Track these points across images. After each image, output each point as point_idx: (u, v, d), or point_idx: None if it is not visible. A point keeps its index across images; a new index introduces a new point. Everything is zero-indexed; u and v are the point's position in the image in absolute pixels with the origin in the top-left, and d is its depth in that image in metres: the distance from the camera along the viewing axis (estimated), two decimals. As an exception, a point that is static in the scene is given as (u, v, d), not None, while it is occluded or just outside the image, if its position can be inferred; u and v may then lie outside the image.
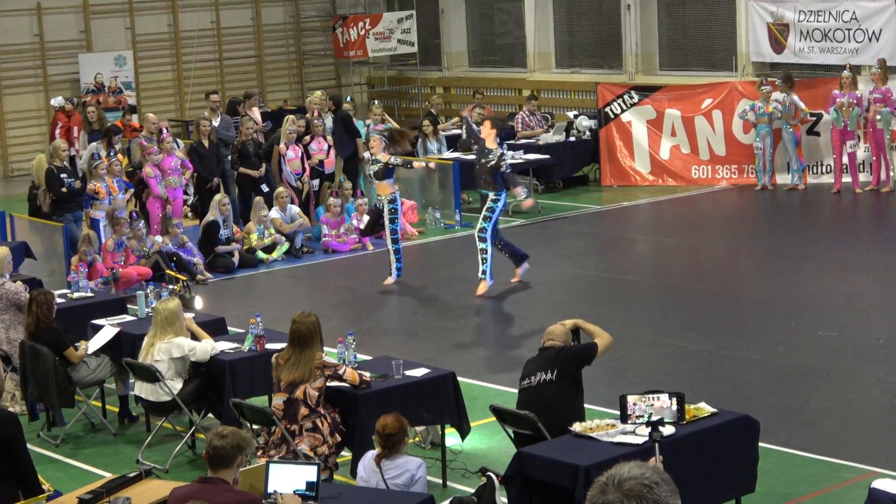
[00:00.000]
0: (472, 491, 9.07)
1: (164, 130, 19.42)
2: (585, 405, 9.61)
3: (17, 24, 25.66)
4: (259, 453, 9.63)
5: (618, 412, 8.85)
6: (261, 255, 18.03)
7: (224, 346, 11.20)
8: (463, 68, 28.51)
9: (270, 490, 7.83)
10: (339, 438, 9.81)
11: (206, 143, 19.36)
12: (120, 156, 18.82)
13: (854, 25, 21.60)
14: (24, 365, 11.53)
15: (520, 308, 15.52)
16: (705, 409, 8.97)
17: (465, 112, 19.01)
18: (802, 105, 20.77)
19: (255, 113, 21.59)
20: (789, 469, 10.11)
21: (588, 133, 22.54)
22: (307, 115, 20.69)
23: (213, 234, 17.65)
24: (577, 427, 8.76)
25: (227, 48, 28.03)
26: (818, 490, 9.74)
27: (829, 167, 21.15)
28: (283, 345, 10.09)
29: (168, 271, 16.48)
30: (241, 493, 7.46)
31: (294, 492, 7.80)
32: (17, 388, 12.02)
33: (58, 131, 21.90)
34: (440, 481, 10.07)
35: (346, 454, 9.97)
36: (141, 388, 11.07)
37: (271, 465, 8.01)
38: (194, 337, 11.17)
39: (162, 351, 10.88)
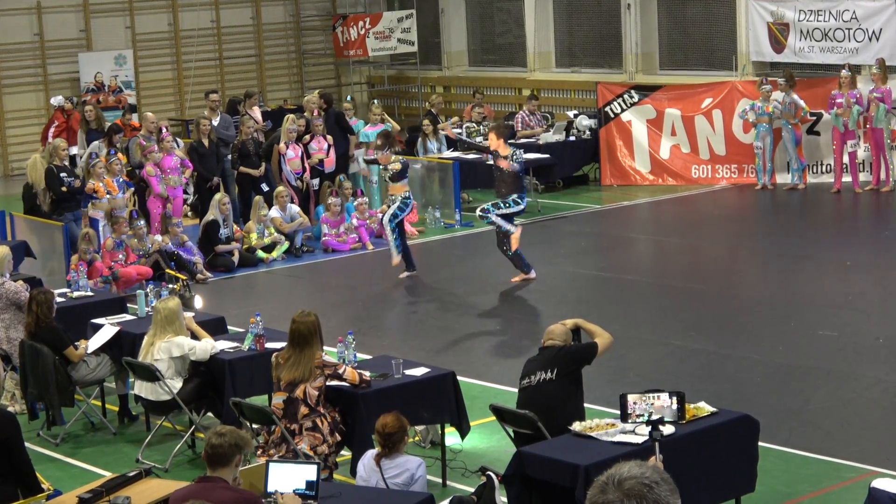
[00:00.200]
0: (472, 490, 9.07)
1: (164, 129, 19.43)
2: (585, 404, 9.61)
3: (17, 23, 25.66)
4: (259, 452, 9.63)
5: (617, 411, 8.85)
6: (261, 254, 18.03)
7: (224, 345, 11.20)
8: (463, 68, 28.50)
9: (270, 489, 7.83)
10: (338, 438, 9.80)
11: (205, 142, 19.35)
12: (120, 154, 18.81)
13: (854, 25, 21.60)
14: (24, 364, 11.53)
15: (519, 307, 15.52)
16: (705, 408, 8.96)
17: (447, 131, 19.13)
18: (803, 104, 20.78)
19: (256, 112, 21.59)
20: (789, 468, 10.10)
21: (588, 132, 22.54)
22: (306, 114, 20.68)
23: (213, 234, 17.65)
24: (576, 426, 8.76)
25: (226, 47, 28.03)
26: (818, 489, 9.74)
27: (829, 167, 21.15)
28: (283, 344, 10.09)
29: (168, 270, 16.48)
30: (239, 490, 7.46)
31: (294, 491, 7.80)
32: (17, 388, 12.03)
33: (52, 130, 21.90)
34: (440, 480, 10.07)
35: (346, 453, 9.97)
36: (141, 388, 11.07)
37: (271, 465, 8.01)
38: (194, 336, 11.17)
39: (162, 350, 10.88)
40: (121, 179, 18.05)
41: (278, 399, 9.84)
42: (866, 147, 20.60)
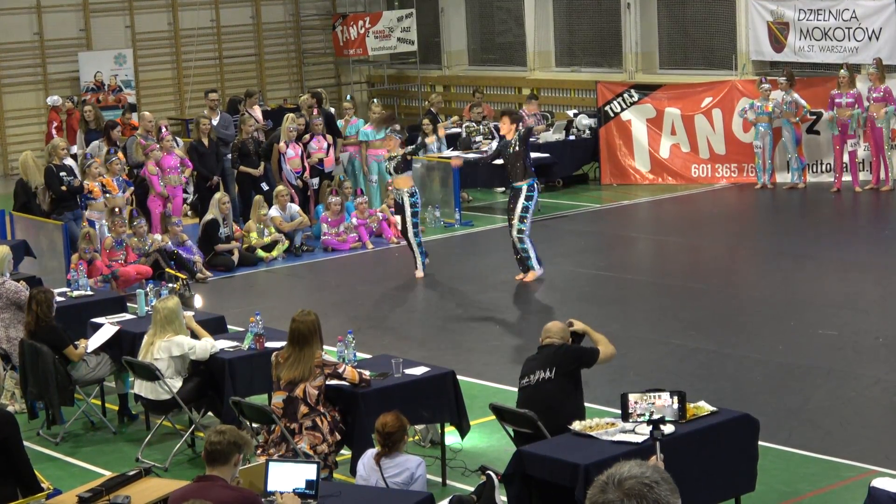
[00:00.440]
0: (472, 489, 9.07)
1: (164, 129, 19.42)
2: (585, 404, 9.60)
3: (17, 23, 25.66)
4: (259, 452, 9.63)
5: (618, 411, 8.85)
6: (260, 253, 18.03)
7: (224, 344, 11.20)
8: (463, 67, 28.50)
9: (270, 489, 7.83)
10: (338, 437, 9.80)
11: (205, 141, 19.34)
12: (120, 154, 18.81)
13: (854, 24, 21.59)
14: (24, 363, 11.52)
15: (520, 306, 15.52)
16: (705, 407, 8.96)
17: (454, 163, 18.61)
18: (804, 102, 20.78)
19: (257, 111, 21.58)
20: (789, 468, 10.10)
21: (588, 132, 22.54)
22: (304, 113, 20.65)
23: (212, 233, 17.64)
24: (576, 425, 8.75)
25: (226, 46, 28.03)
26: (818, 489, 9.74)
27: (829, 166, 21.15)
28: (283, 343, 10.08)
29: (168, 270, 16.47)
30: (238, 489, 7.46)
31: (294, 490, 7.80)
32: (17, 387, 12.02)
33: (52, 130, 21.90)
34: (440, 480, 10.06)
35: (346, 452, 9.97)
36: (140, 387, 11.07)
37: (271, 464, 8.01)
38: (194, 335, 11.17)
39: (161, 349, 10.88)
40: (120, 178, 18.05)
41: (278, 398, 9.84)
42: (866, 146, 20.61)
